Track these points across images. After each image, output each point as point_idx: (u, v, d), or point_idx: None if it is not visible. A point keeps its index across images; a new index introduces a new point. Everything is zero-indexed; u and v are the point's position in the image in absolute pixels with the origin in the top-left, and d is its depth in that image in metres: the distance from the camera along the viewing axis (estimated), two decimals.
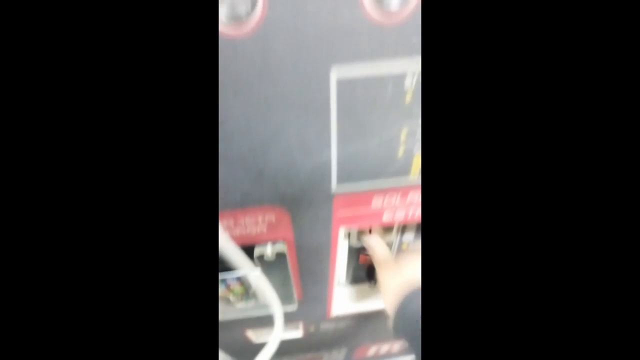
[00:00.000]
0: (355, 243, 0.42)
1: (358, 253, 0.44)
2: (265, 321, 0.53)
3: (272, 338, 0.37)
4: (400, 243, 0.41)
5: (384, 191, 0.30)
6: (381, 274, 0.36)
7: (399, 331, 0.33)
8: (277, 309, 0.34)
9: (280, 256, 0.35)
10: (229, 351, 0.61)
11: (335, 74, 0.22)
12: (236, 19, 0.19)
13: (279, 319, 0.35)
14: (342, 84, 0.22)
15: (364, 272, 0.48)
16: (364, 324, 0.58)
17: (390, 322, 0.34)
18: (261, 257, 0.34)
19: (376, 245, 0.38)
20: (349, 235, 0.41)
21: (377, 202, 0.31)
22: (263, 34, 0.19)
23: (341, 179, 0.28)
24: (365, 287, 0.50)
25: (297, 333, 0.57)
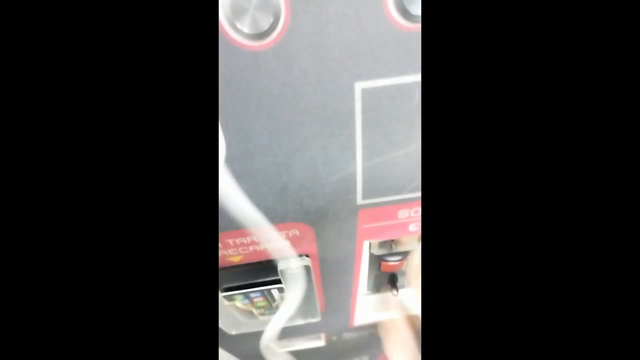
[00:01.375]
0: (376, 251, 0.41)
1: (379, 261, 0.43)
2: (287, 333, 0.53)
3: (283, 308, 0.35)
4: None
5: (410, 203, 0.29)
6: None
7: None
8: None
9: (304, 269, 0.34)
10: None
11: (360, 83, 0.21)
12: (258, 31, 0.18)
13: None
14: (367, 93, 0.21)
15: (386, 280, 0.47)
16: None
17: None
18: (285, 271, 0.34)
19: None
20: (369, 244, 0.40)
21: (403, 214, 0.30)
22: (286, 45, 0.19)
23: (366, 192, 0.27)
24: (387, 295, 0.49)
25: (319, 342, 0.57)
